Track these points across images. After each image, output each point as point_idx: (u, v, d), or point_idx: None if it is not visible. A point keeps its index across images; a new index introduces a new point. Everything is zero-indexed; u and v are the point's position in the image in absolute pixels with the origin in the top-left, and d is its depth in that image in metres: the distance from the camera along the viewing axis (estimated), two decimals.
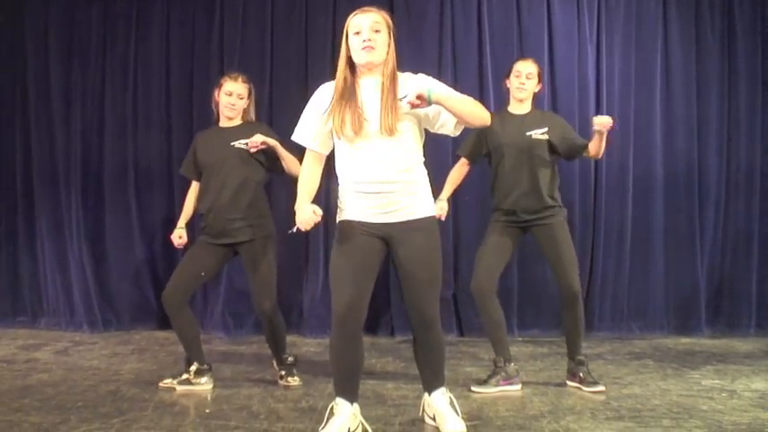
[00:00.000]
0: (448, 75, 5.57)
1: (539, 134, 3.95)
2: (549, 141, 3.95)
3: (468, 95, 3.03)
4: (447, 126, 3.03)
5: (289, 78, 5.69)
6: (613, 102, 5.69)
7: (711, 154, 5.77)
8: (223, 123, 4.10)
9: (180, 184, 5.68)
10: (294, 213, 3.02)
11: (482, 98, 5.58)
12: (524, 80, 4.00)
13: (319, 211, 2.97)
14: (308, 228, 2.99)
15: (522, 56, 5.60)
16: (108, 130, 5.79)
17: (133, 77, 5.79)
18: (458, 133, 3.07)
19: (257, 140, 3.89)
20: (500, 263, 4.00)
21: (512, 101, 4.09)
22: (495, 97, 5.61)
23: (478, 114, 2.96)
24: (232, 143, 3.96)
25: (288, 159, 3.96)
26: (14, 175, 5.88)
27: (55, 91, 5.78)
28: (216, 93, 4.08)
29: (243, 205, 3.94)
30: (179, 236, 4.14)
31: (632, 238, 5.67)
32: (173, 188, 5.74)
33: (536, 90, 4.07)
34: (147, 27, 5.79)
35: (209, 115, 5.63)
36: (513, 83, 4.06)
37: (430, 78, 3.04)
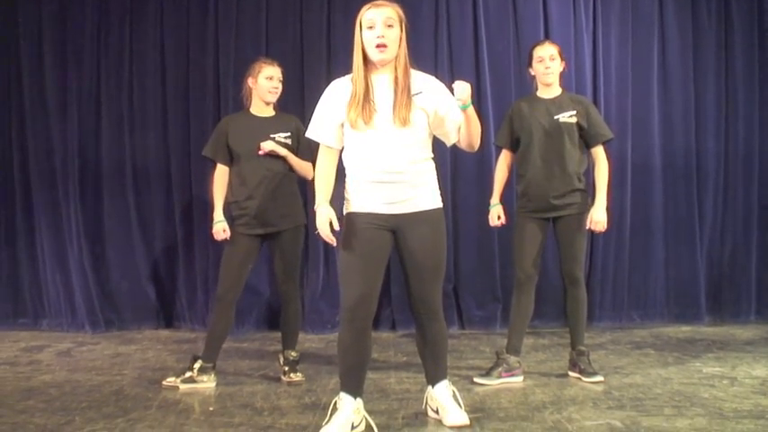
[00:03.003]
0: (444, 66, 5.56)
1: (567, 117, 3.95)
2: (578, 124, 3.95)
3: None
4: (446, 137, 3.15)
5: (285, 77, 5.67)
6: (610, 91, 5.68)
7: (709, 141, 5.76)
8: (256, 111, 4.10)
9: (178, 181, 5.70)
10: (314, 214, 3.04)
11: (479, 88, 5.59)
12: (549, 63, 3.99)
13: (335, 222, 2.99)
14: (324, 234, 3.00)
15: (518, 45, 5.64)
16: (104, 130, 5.77)
17: (128, 77, 5.77)
18: (449, 145, 3.22)
19: (267, 148, 3.95)
20: (539, 252, 4.00)
21: (540, 86, 4.07)
22: (491, 87, 5.61)
23: (478, 141, 3.13)
24: (272, 135, 4.00)
25: (297, 165, 4.04)
26: (12, 177, 5.85)
27: (50, 91, 5.75)
28: (250, 80, 4.08)
29: (284, 196, 4.00)
30: (222, 230, 4.05)
31: (631, 227, 5.67)
32: (171, 186, 5.74)
33: (561, 69, 4.05)
34: (142, 27, 5.76)
35: (205, 114, 5.66)
36: (538, 69, 4.03)
37: (443, 86, 3.12)
